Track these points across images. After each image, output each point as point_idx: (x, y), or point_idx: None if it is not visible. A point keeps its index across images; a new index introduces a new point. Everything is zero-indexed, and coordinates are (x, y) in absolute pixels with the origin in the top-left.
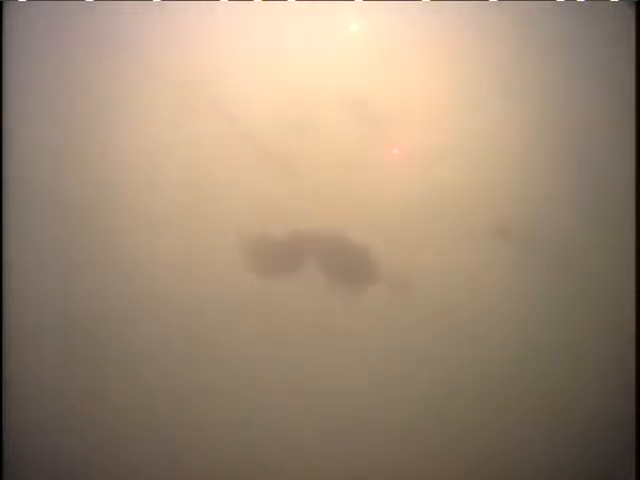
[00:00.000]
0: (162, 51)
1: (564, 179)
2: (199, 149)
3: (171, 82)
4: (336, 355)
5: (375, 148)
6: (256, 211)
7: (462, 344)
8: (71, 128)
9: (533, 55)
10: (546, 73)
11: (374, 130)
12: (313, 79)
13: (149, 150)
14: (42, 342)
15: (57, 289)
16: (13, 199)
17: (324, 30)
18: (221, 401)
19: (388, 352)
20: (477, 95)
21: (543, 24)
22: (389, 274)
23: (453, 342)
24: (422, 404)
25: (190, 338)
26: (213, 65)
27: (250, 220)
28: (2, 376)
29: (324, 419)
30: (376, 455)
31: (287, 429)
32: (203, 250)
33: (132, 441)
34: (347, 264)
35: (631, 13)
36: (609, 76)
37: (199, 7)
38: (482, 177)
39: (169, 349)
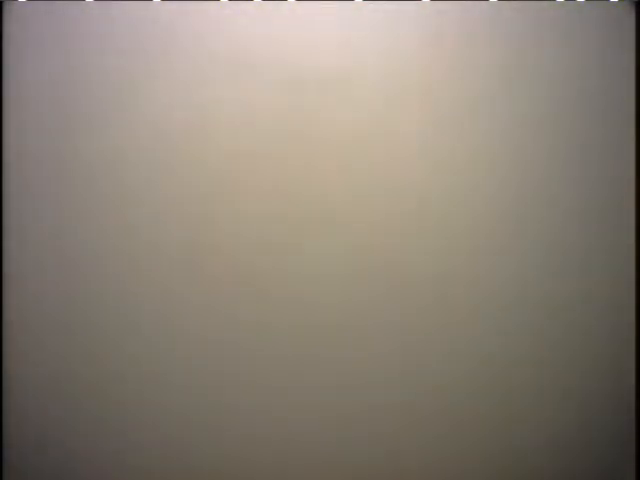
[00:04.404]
0: (163, 50)
1: (563, 178)
2: (203, 138)
3: (174, 79)
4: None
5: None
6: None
7: (463, 349)
8: (71, 127)
9: (533, 55)
10: (546, 72)
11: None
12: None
13: (149, 148)
14: (42, 339)
15: (56, 291)
16: (13, 199)
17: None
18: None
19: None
20: (477, 95)
21: (543, 24)
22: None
23: (453, 349)
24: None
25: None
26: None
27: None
28: (2, 375)
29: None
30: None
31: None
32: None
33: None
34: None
35: (631, 13)
36: (609, 76)
37: (200, 6)
38: (480, 174)
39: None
